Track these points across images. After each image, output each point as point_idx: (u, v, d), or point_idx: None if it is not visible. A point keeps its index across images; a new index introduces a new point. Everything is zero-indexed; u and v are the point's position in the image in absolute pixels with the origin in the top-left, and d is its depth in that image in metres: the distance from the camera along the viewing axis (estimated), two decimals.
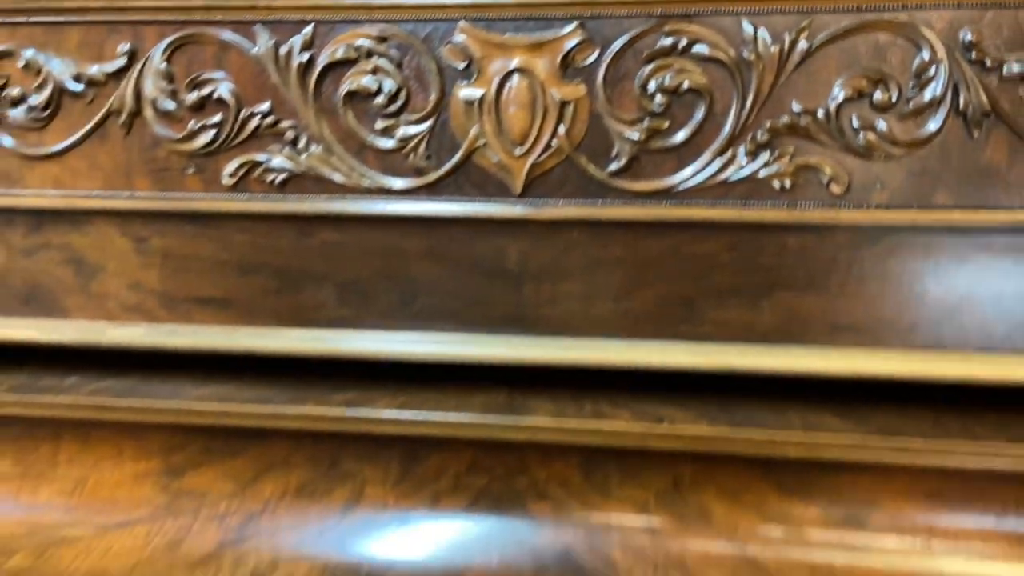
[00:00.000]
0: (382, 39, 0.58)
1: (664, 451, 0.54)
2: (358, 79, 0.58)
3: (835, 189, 0.55)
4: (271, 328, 0.62)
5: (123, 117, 0.61)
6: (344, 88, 0.58)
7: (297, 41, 0.58)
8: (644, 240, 0.57)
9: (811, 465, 0.52)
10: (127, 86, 0.60)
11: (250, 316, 0.62)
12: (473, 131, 0.57)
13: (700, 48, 0.55)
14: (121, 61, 0.60)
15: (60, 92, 0.61)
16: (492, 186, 0.58)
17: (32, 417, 0.60)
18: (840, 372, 0.54)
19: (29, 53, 0.61)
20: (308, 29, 0.58)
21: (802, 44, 0.53)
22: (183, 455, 0.59)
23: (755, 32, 0.54)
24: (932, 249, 0.54)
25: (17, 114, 0.62)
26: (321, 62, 0.58)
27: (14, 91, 0.61)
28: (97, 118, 0.61)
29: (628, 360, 0.56)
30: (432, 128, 0.58)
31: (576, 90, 0.56)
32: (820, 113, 0.54)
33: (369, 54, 0.58)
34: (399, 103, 0.58)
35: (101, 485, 0.59)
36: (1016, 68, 0.51)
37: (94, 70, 0.60)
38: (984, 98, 0.52)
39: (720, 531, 0.53)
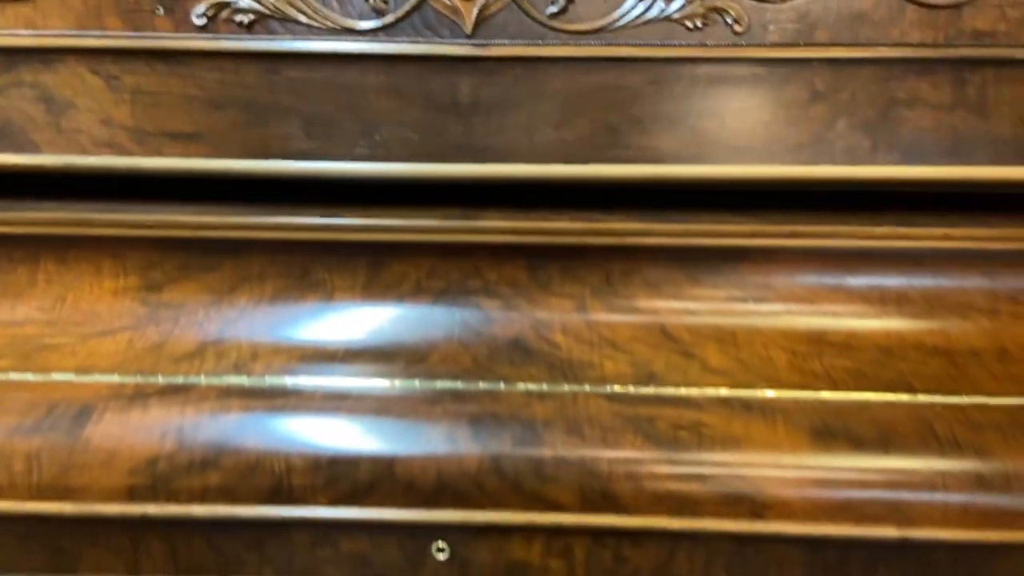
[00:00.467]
0: None
1: (597, 247, 0.62)
2: None
3: (737, 29, 0.65)
4: (240, 159, 0.67)
5: None
6: None
7: None
8: (578, 76, 0.66)
9: (718, 255, 0.62)
10: None
11: (219, 149, 0.67)
12: None
13: None
14: None
15: None
16: (445, 27, 0.65)
17: (9, 235, 0.63)
18: (738, 178, 0.64)
19: None
20: None
21: None
22: (160, 271, 0.64)
23: None
24: (813, 81, 0.65)
25: None
26: None
27: None
28: None
29: (565, 175, 0.65)
30: None
31: None
32: None
33: None
34: None
35: (81, 300, 0.63)
36: None
37: None
38: None
39: (643, 313, 0.62)
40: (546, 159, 0.66)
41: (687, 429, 0.53)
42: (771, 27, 0.65)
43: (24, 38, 0.65)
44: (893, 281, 0.61)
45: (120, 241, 0.64)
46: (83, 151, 0.67)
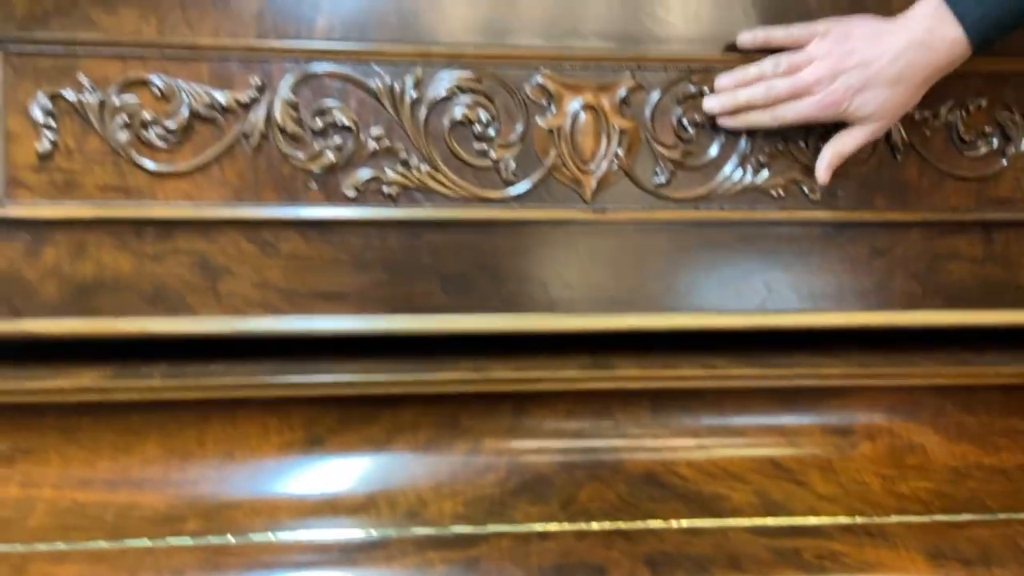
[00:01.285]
0: (478, 80, 0.73)
1: (713, 390, 0.72)
2: (459, 111, 0.73)
3: (812, 197, 0.77)
4: (384, 315, 0.73)
5: (253, 139, 0.71)
6: (447, 118, 0.73)
7: (409, 80, 0.72)
8: (681, 235, 0.76)
9: (813, 393, 0.73)
10: (258, 113, 0.71)
11: (364, 306, 0.73)
12: (552, 153, 0.74)
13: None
14: (252, 93, 0.71)
15: (194, 117, 0.70)
16: (567, 195, 0.75)
17: (179, 400, 0.67)
18: (825, 325, 0.76)
19: (164, 82, 0.69)
20: (417, 70, 0.72)
21: None
22: (323, 426, 0.69)
23: None
24: (873, 240, 0.78)
25: (150, 136, 0.70)
26: (428, 98, 0.73)
27: (147, 115, 0.69)
28: (228, 140, 0.71)
29: (674, 323, 0.75)
30: (520, 151, 0.74)
31: (630, 122, 0.75)
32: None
33: (468, 91, 0.73)
34: (492, 131, 0.73)
35: (249, 457, 0.68)
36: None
37: (227, 99, 0.70)
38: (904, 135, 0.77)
39: (754, 446, 0.72)
40: (657, 308, 0.76)
41: (828, 559, 0.62)
42: (839, 193, 0.77)
43: (183, 209, 0.71)
44: (955, 409, 0.74)
45: (284, 401, 0.69)
46: (236, 312, 0.72)
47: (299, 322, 0.72)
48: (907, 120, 0.76)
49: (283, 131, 0.71)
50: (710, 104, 0.74)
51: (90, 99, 0.69)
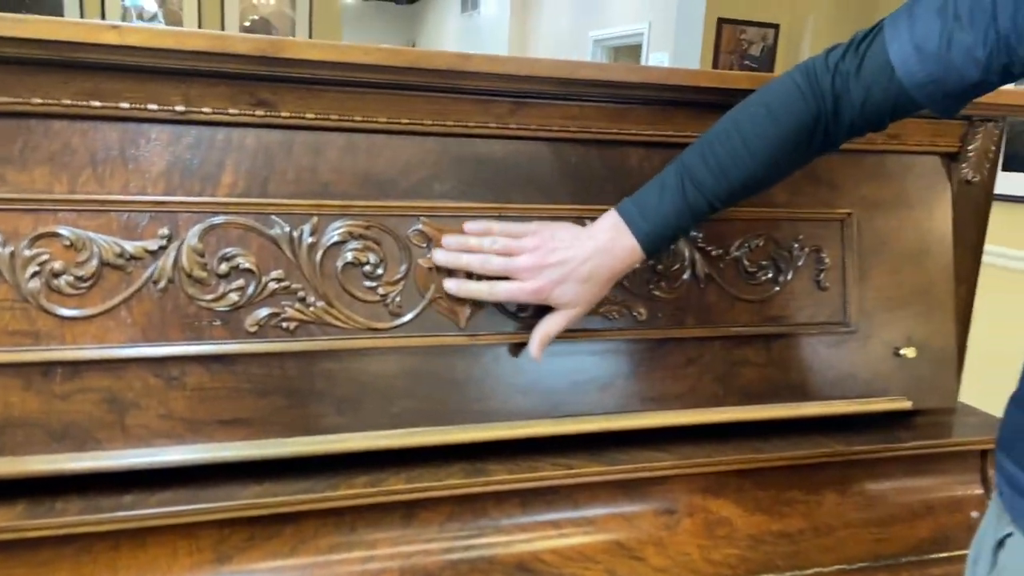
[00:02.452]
0: (367, 227, 0.85)
1: (569, 485, 0.87)
2: (351, 254, 0.84)
3: (640, 317, 0.95)
4: (282, 438, 0.82)
5: (160, 284, 0.77)
6: (340, 260, 0.84)
7: (306, 228, 0.82)
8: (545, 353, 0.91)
9: (645, 482, 0.90)
10: (166, 260, 0.78)
11: (265, 431, 0.81)
12: (432, 287, 0.87)
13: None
14: (160, 242, 0.77)
15: (104, 265, 0.76)
16: (445, 324, 0.88)
17: (91, 532, 0.72)
18: (644, 426, 0.94)
19: (75, 234, 0.75)
20: (314, 219, 0.83)
21: None
22: (230, 544, 0.76)
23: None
24: (687, 350, 0.97)
25: (60, 284, 0.74)
26: (323, 243, 0.83)
27: (57, 265, 0.74)
28: (136, 285, 0.77)
29: (539, 431, 0.89)
30: (404, 286, 0.86)
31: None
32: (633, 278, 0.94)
33: (358, 237, 0.84)
34: (380, 270, 0.85)
35: None
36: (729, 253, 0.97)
37: (136, 248, 0.77)
38: (705, 269, 0.97)
39: (602, 532, 0.87)
40: (525, 416, 0.90)
41: None
42: (659, 315, 0.96)
43: (92, 351, 0.75)
44: (751, 486, 0.94)
45: (194, 523, 0.75)
46: (142, 444, 0.77)
47: (204, 450, 0.79)
48: (707, 256, 0.97)
49: (189, 276, 0.79)
50: (437, 257, 0.86)
51: (0, 251, 0.73)
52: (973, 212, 1.11)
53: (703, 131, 0.96)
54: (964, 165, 1.08)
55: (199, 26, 4.07)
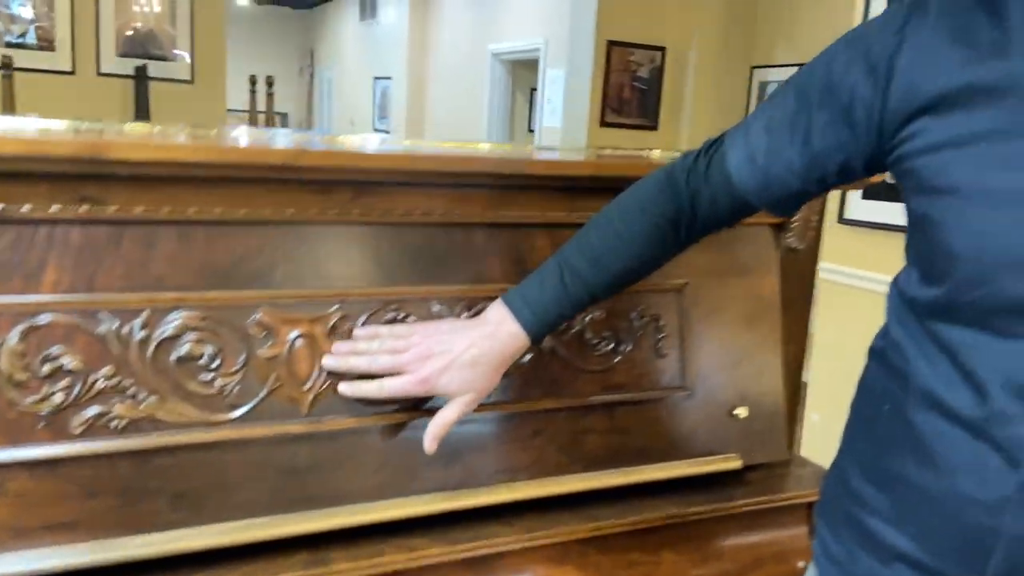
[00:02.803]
0: (204, 319, 0.84)
1: (416, 568, 0.89)
2: (186, 347, 0.83)
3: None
4: (114, 539, 0.80)
5: None
6: (175, 354, 0.83)
7: (137, 323, 0.81)
8: (386, 438, 0.93)
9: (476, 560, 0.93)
10: None
11: (94, 532, 0.80)
12: (272, 377, 0.87)
13: (411, 319, 0.94)
14: None
15: None
16: (286, 412, 0.88)
17: None
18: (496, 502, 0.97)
19: None
20: (145, 313, 0.82)
21: (462, 315, 0.96)
22: None
23: (439, 308, 0.95)
24: (534, 423, 1.01)
25: None
26: (156, 337, 0.82)
27: None
28: None
29: (376, 518, 0.91)
30: (243, 377, 0.86)
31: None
32: None
33: (194, 329, 0.84)
34: (217, 362, 0.85)
35: None
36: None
37: None
38: (549, 342, 1.01)
39: None
40: (372, 498, 0.91)
41: None
42: (507, 390, 0.99)
43: None
44: (594, 552, 0.98)
45: None
46: None
47: (30, 559, 0.76)
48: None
49: (10, 379, 0.76)
50: (326, 363, 0.88)
51: None
52: (799, 277, 1.19)
53: (545, 212, 1.00)
54: (789, 234, 1.17)
55: (72, 40, 3.87)
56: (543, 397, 1.01)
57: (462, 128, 8.29)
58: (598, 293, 0.89)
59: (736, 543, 1.07)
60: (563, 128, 5.19)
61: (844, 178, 0.79)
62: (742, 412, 1.12)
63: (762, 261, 1.16)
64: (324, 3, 11.76)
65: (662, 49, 4.92)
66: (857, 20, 3.08)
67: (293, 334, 0.88)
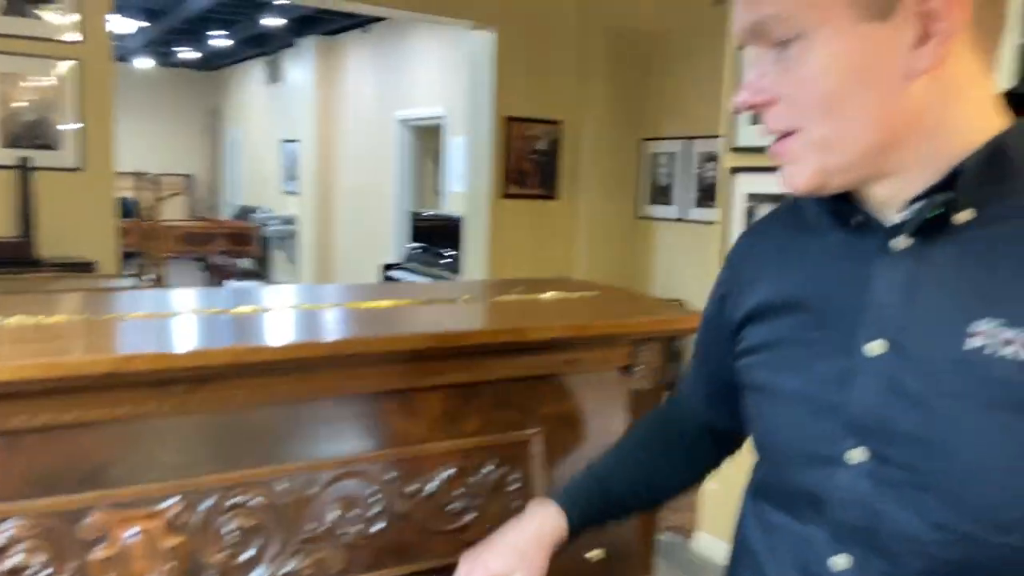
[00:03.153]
0: (34, 527, 0.83)
1: None
2: (18, 558, 0.82)
3: (333, 568, 0.99)
4: None
5: None
6: (6, 565, 0.82)
7: None
8: None
9: None
10: None
11: None
12: None
13: (256, 500, 0.95)
14: None
15: None
16: None
17: None
18: None
19: None
20: None
21: (310, 491, 0.98)
22: None
23: (287, 486, 0.96)
24: None
25: None
26: None
27: None
28: None
29: None
30: None
31: (179, 538, 0.90)
32: (323, 530, 0.99)
33: (24, 539, 0.83)
34: (50, 570, 0.84)
35: None
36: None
37: None
38: (402, 508, 1.04)
39: None
40: None
41: None
42: (358, 559, 1.01)
43: None
44: None
45: None
46: None
47: None
48: (402, 495, 1.04)
49: None
50: None
51: None
52: None
53: (391, 380, 1.02)
54: (635, 377, 1.24)
55: None
56: (397, 564, 1.03)
57: (371, 193, 8.32)
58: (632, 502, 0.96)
59: None
60: (467, 196, 5.29)
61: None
62: (596, 554, 1.17)
63: (611, 405, 1.22)
64: (230, 65, 11.68)
65: (558, 123, 5.10)
66: (726, 93, 3.29)
67: (128, 533, 0.88)
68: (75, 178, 3.71)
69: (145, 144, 11.50)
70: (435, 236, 6.64)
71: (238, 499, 0.94)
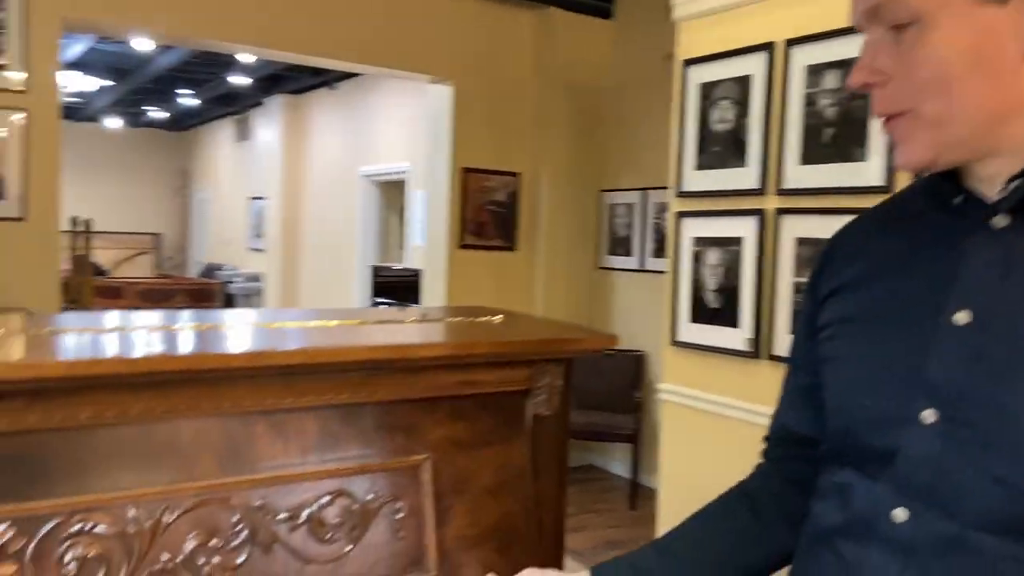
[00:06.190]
0: None
1: None
2: None
3: None
4: None
5: None
6: None
7: None
8: None
9: None
10: None
11: None
12: None
13: (100, 527, 0.88)
14: None
15: None
16: None
17: None
18: None
19: None
20: None
21: (166, 517, 0.91)
22: None
23: (136, 512, 0.89)
24: None
25: None
26: None
27: None
28: None
29: None
30: None
31: (9, 568, 0.83)
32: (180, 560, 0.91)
33: None
34: None
35: None
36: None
37: None
38: (269, 535, 0.97)
39: None
40: None
41: None
42: None
43: None
44: None
45: None
46: None
47: None
48: (271, 521, 0.97)
49: None
50: None
51: None
52: (550, 443, 1.20)
53: (262, 399, 0.97)
54: (536, 401, 1.19)
55: None
56: None
57: (336, 248, 8.28)
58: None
59: None
60: (426, 248, 5.27)
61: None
62: None
63: (509, 429, 1.16)
64: (199, 125, 11.74)
65: (516, 175, 5.14)
66: (673, 148, 3.32)
67: None
68: (17, 228, 3.64)
69: (113, 203, 11.45)
70: (398, 290, 6.61)
71: (80, 526, 0.87)
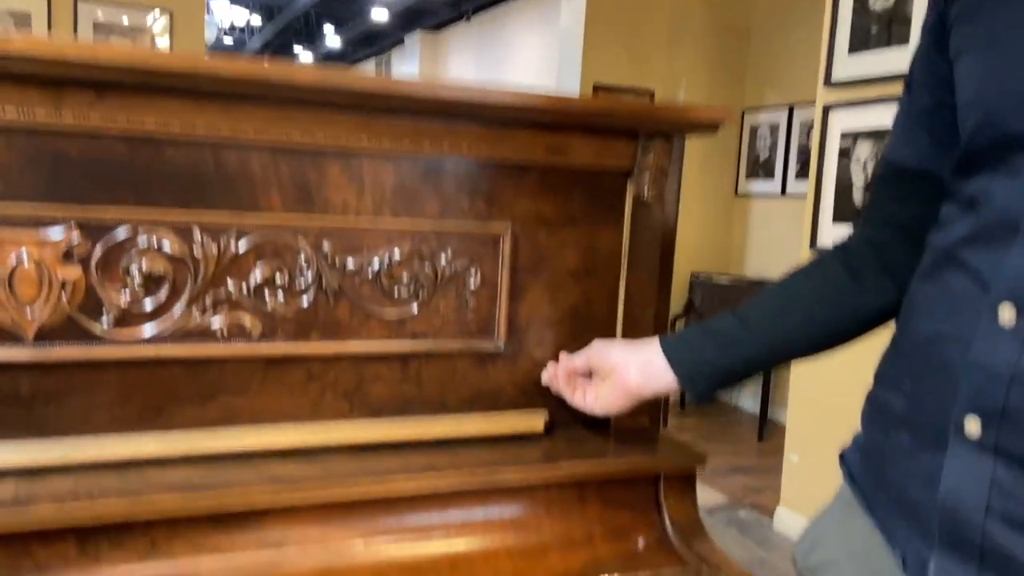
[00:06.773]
0: None
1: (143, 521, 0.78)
2: None
3: (253, 333, 0.89)
4: None
5: None
6: None
7: None
8: (128, 371, 0.84)
9: (243, 514, 0.82)
10: None
11: None
12: None
13: (165, 244, 0.85)
14: None
15: None
16: (8, 336, 0.79)
17: None
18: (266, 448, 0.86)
19: None
20: None
21: (232, 246, 0.88)
22: None
23: (201, 236, 0.86)
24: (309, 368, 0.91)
25: None
26: None
27: None
28: None
29: (116, 454, 0.81)
30: None
31: (75, 271, 0.82)
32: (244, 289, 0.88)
33: None
34: None
35: None
36: (350, 266, 0.92)
37: None
38: (335, 283, 0.92)
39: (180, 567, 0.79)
40: (102, 432, 0.82)
41: None
42: (277, 330, 0.90)
43: None
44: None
45: None
46: None
47: None
48: (336, 269, 0.92)
49: None
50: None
51: None
52: (650, 232, 1.08)
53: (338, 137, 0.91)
54: (637, 183, 1.06)
55: None
56: (321, 338, 0.91)
57: None
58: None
59: (567, 512, 0.94)
60: None
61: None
62: None
63: (601, 212, 1.06)
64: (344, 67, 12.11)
65: (651, 92, 4.91)
66: (825, 31, 3.02)
67: (17, 254, 0.80)
68: None
69: None
70: None
71: (146, 239, 0.85)
